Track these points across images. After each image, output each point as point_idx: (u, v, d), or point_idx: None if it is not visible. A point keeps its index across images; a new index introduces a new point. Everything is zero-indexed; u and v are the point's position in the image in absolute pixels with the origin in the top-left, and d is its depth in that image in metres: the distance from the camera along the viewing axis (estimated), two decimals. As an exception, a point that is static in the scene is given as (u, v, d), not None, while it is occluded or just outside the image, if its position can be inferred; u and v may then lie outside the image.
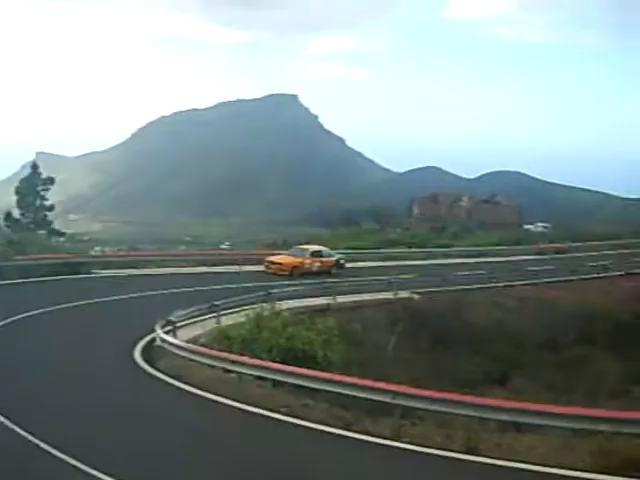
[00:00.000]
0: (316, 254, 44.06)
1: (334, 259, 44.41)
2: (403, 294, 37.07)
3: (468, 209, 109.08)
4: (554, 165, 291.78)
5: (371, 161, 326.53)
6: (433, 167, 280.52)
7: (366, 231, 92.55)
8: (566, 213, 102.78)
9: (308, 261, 42.97)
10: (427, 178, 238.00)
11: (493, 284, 42.08)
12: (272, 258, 43.35)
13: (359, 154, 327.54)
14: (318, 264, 43.14)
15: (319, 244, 49.04)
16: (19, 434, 13.42)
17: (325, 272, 42.17)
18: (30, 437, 13.18)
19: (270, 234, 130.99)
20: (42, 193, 68.82)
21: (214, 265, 45.45)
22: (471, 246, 66.90)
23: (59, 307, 28.57)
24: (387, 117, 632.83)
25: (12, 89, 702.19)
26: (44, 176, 70.63)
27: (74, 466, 11.89)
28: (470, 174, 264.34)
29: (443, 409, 14.80)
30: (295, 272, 41.32)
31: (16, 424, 13.87)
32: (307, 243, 51.38)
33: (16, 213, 67.11)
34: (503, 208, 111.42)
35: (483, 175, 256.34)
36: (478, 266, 48.37)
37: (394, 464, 13.15)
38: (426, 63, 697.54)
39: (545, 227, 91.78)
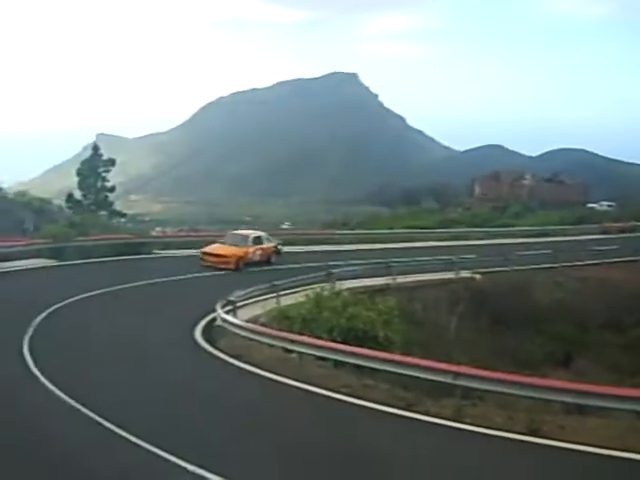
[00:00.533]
0: (257, 241, 37.75)
1: (273, 245, 38.51)
2: (465, 274, 36.77)
3: (530, 188, 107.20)
4: (619, 142, 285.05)
5: (431, 139, 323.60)
6: (495, 145, 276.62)
7: (426, 210, 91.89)
8: (631, 191, 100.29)
9: (251, 250, 36.73)
10: (488, 156, 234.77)
11: (555, 264, 41.36)
12: (209, 249, 36.35)
13: (419, 132, 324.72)
14: (260, 252, 37.18)
15: (371, 224, 47.23)
16: (85, 414, 13.63)
17: (265, 261, 37.23)
18: (93, 415, 13.38)
19: (330, 214, 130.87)
20: (103, 174, 69.84)
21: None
22: (533, 225, 66.01)
23: (120, 287, 28.98)
24: (447, 95, 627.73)
25: (73, 71, 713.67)
26: (105, 157, 71.65)
27: (135, 443, 12.06)
28: (532, 152, 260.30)
29: (505, 390, 14.66)
30: (241, 264, 35.65)
31: (82, 404, 14.09)
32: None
33: (78, 194, 68.30)
34: (566, 186, 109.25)
35: (546, 153, 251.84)
36: (540, 246, 47.62)
37: (455, 445, 13.07)
38: (486, 39, 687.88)
39: (610, 206, 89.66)
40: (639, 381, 20.95)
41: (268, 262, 37.10)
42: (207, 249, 36.12)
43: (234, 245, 36.42)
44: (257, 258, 36.67)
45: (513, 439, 13.11)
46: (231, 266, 35.01)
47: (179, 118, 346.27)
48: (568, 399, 14.12)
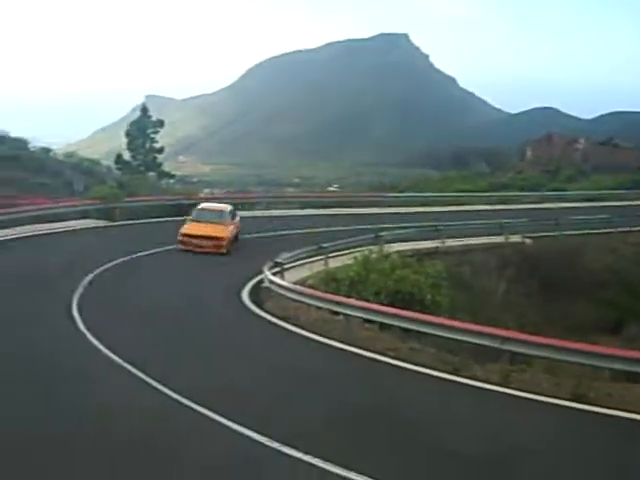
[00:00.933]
0: (233, 215, 32.64)
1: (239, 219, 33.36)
2: (514, 238, 36.38)
3: (584, 151, 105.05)
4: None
5: (483, 101, 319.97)
6: (548, 108, 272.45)
7: (476, 174, 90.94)
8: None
9: (231, 227, 31.45)
10: (541, 119, 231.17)
11: (609, 229, 40.53)
12: (190, 229, 30.09)
13: (470, 94, 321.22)
14: (236, 229, 32.23)
15: (420, 187, 46.21)
16: (140, 377, 13.77)
17: (234, 240, 31.74)
18: (146, 377, 13.51)
19: (379, 176, 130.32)
20: (152, 135, 70.54)
21: (323, 207, 45.66)
22: (587, 190, 64.92)
23: (169, 248, 29.26)
24: (500, 56, 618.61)
25: (123, 33, 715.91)
26: (153, 119, 72.25)
27: (187, 405, 12.18)
28: (587, 115, 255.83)
29: (553, 356, 14.50)
30: (231, 247, 30.55)
31: (131, 364, 14.27)
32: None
33: (126, 155, 69.01)
34: (621, 151, 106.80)
35: (600, 116, 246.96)
36: (594, 210, 46.75)
37: (502, 409, 13.02)
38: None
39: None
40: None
41: (236, 240, 31.86)
42: (188, 230, 29.93)
43: (213, 223, 30.37)
44: (233, 237, 31.44)
45: (560, 405, 13.00)
46: (223, 250, 29.86)
47: (227, 79, 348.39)
48: (617, 366, 13.92)
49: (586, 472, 10.17)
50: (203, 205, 33.30)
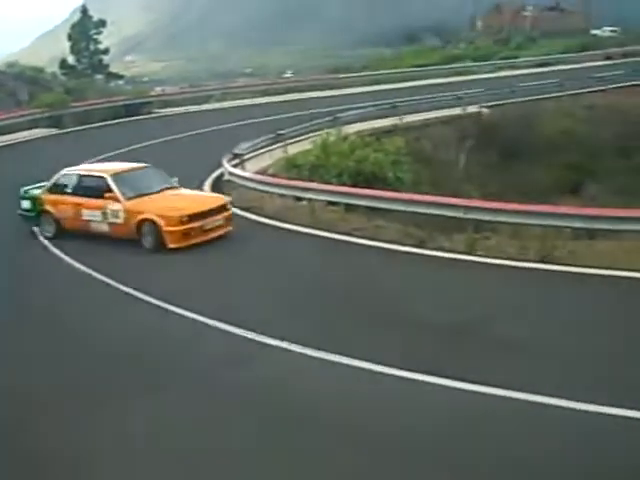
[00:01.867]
0: None
1: None
2: (471, 109, 36.32)
3: (533, 18, 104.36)
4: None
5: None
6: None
7: (429, 48, 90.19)
8: (635, 15, 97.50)
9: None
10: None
11: (562, 93, 40.75)
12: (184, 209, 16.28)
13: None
14: None
15: (375, 66, 45.51)
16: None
17: None
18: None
19: (333, 59, 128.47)
20: (95, 37, 68.56)
21: (278, 94, 45.10)
22: (537, 56, 65.00)
23: (119, 152, 28.75)
24: None
25: None
26: (95, 19, 70.03)
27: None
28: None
29: (515, 220, 14.69)
30: None
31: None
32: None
33: (71, 60, 67.15)
34: (569, 14, 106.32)
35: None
36: (545, 76, 46.76)
37: (470, 277, 13.26)
38: None
39: (613, 31, 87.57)
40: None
41: None
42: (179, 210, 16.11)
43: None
44: None
45: (526, 268, 13.29)
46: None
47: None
48: (578, 224, 14.17)
49: (561, 330, 10.40)
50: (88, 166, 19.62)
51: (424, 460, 7.27)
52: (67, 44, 69.18)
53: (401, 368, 9.09)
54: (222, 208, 16.69)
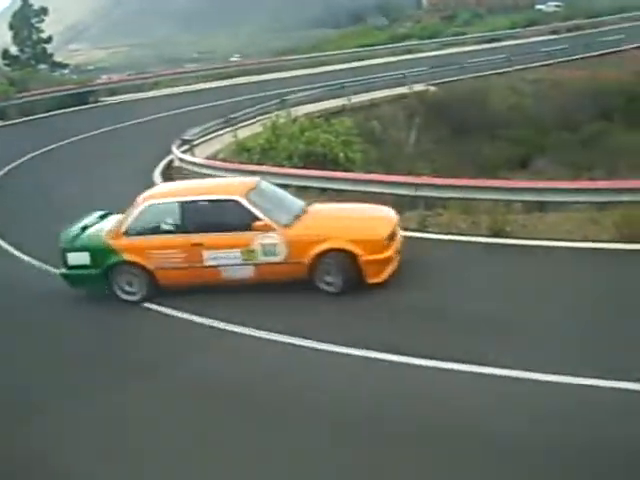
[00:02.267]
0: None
1: None
2: (418, 87, 36.41)
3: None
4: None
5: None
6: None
7: (375, 27, 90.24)
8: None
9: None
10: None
11: (509, 68, 41.25)
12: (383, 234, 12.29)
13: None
14: None
15: (321, 48, 45.33)
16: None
17: None
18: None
19: (279, 41, 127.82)
20: (37, 25, 67.22)
21: (226, 78, 44.81)
22: (484, 32, 65.47)
23: (68, 141, 28.41)
24: None
25: None
26: (36, 7, 68.72)
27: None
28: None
29: (465, 196, 14.86)
30: None
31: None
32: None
33: (14, 50, 65.93)
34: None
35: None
36: (492, 52, 47.14)
37: (422, 254, 13.16)
38: None
39: (557, 6, 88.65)
40: (595, 174, 21.32)
41: None
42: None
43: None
44: None
45: (478, 242, 13.42)
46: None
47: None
48: (528, 198, 14.39)
49: (524, 302, 10.58)
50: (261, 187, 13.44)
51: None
52: (9, 34, 67.87)
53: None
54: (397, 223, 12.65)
